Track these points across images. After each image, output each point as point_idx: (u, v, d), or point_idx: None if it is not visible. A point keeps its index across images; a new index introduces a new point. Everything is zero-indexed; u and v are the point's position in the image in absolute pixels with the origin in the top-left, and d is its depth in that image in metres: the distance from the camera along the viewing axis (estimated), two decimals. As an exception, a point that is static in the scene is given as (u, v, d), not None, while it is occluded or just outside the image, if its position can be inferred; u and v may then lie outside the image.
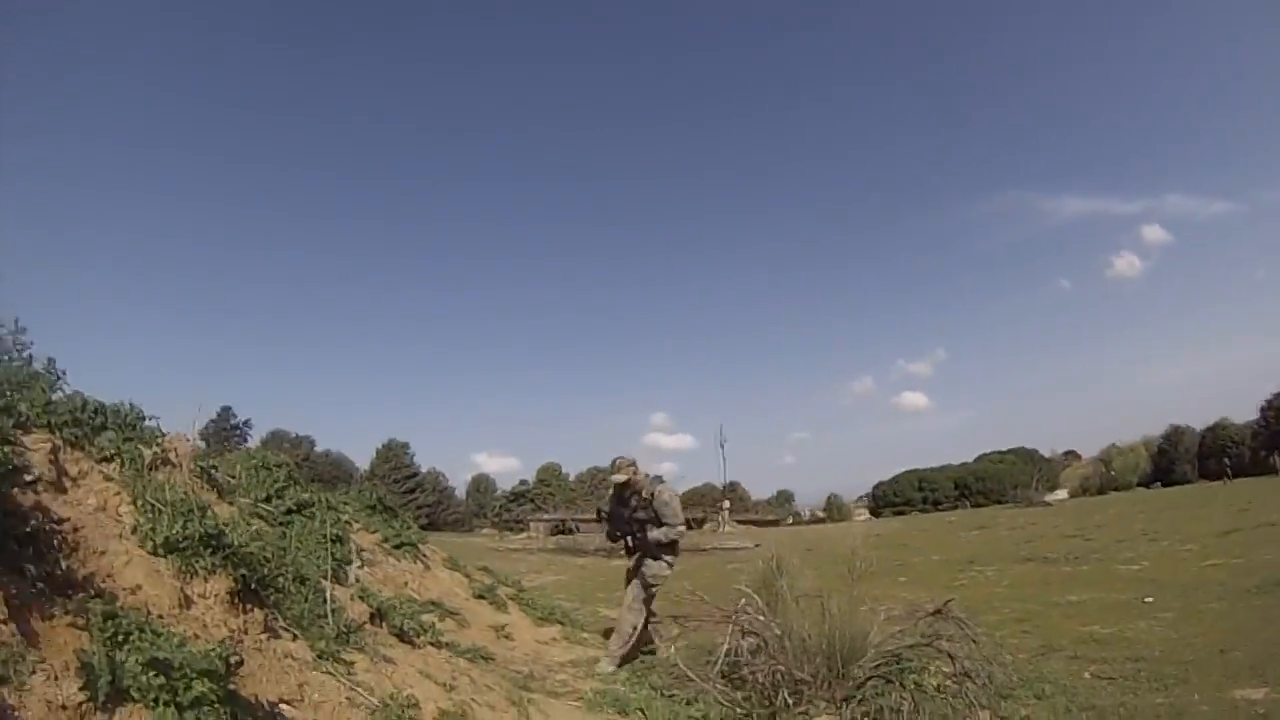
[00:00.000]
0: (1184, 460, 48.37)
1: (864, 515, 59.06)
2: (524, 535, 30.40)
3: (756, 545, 21.06)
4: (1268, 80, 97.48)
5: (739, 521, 42.13)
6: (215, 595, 3.56)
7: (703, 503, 55.29)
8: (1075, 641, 7.49)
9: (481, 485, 64.59)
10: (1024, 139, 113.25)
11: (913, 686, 5.53)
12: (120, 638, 2.64)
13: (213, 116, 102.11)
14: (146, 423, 5.45)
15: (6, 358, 5.51)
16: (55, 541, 3.12)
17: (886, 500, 59.85)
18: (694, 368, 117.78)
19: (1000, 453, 60.60)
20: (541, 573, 16.78)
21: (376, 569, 7.97)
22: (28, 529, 2.98)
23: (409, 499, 54.75)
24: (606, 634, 7.56)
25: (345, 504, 9.57)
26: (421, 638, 5.64)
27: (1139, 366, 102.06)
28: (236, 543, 3.85)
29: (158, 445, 5.18)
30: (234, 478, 7.83)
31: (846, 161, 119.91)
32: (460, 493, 63.30)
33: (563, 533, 30.20)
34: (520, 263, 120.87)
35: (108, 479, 4.12)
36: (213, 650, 2.67)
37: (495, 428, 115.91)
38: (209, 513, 3.98)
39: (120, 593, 3.18)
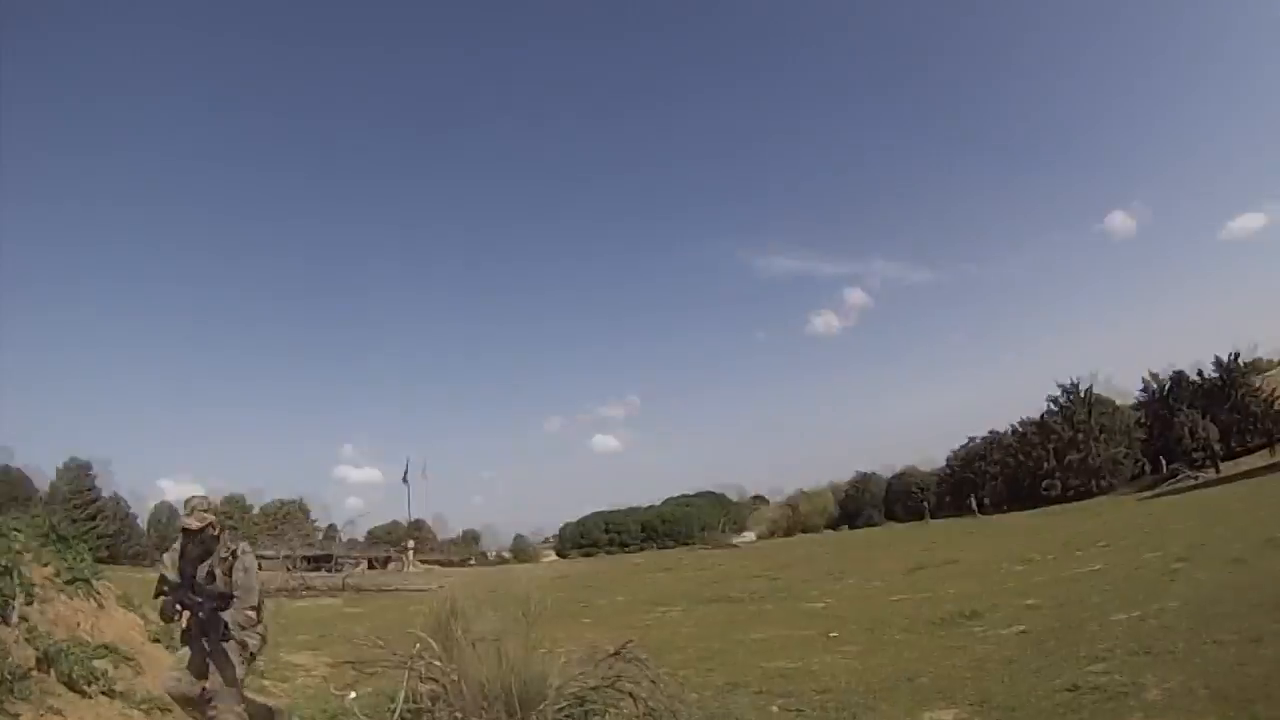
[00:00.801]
0: (871, 504, 53.24)
1: (551, 556, 59.86)
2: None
3: (440, 586, 20.72)
4: (982, 157, 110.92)
5: (424, 561, 41.82)
6: None
7: (388, 540, 54.39)
8: (761, 677, 7.91)
9: (164, 515, 58.62)
10: (740, 191, 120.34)
11: (598, 730, 5.90)
12: None
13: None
14: None
15: None
16: None
17: (574, 541, 60.58)
18: (387, 401, 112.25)
19: (688, 496, 63.53)
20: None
21: (48, 606, 7.33)
22: None
23: (89, 527, 48.51)
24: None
25: (16, 530, 8.71)
26: (93, 686, 5.36)
27: (830, 416, 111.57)
28: None
29: None
30: None
31: (555, 191, 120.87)
32: (143, 522, 56.99)
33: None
34: (210, 264, 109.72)
35: None
36: None
37: (182, 451, 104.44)
38: None
39: None
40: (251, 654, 5.27)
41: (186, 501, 5.46)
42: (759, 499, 70.22)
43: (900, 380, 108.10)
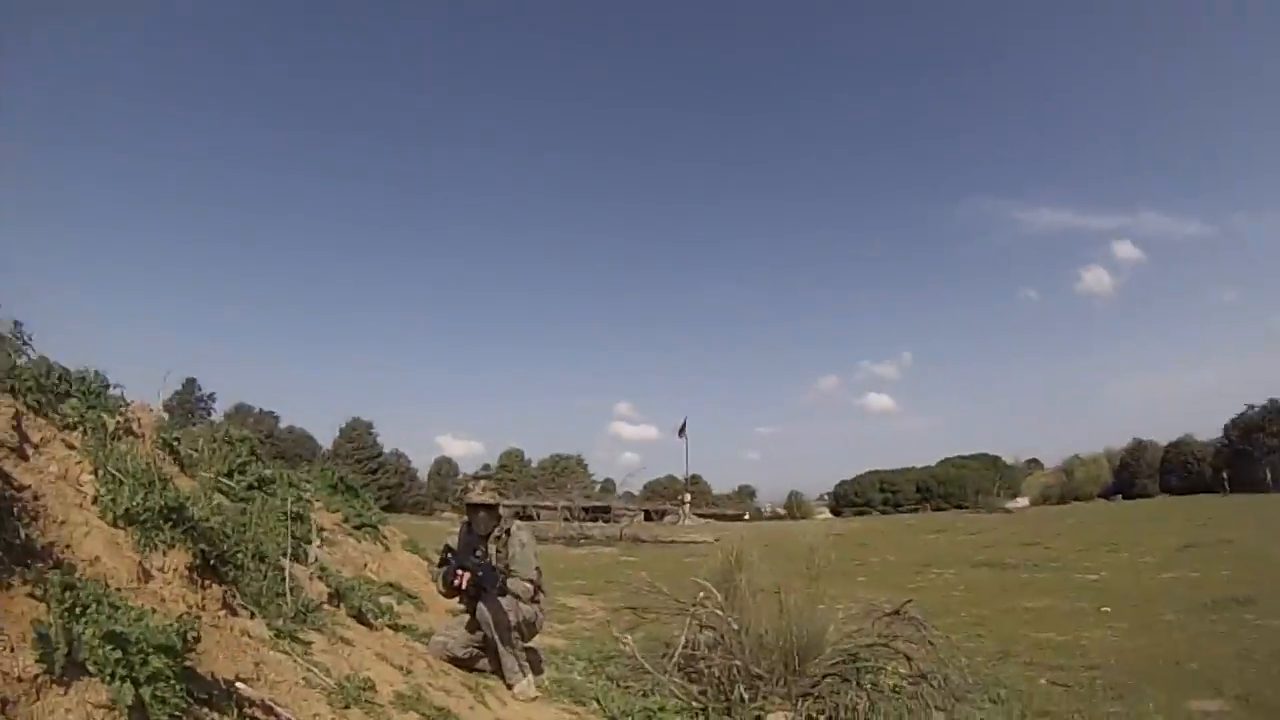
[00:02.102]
0: (1146, 474, 48.95)
1: (824, 514, 59.13)
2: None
3: (716, 539, 20.88)
4: (1252, 105, 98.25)
5: (700, 515, 42.09)
6: (174, 570, 3.49)
7: (664, 494, 55.45)
8: (1031, 647, 7.58)
9: (444, 468, 63.94)
10: (1002, 147, 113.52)
11: (869, 686, 5.57)
12: (78, 610, 2.55)
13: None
14: (111, 391, 5.37)
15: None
16: (16, 509, 3.02)
17: (848, 500, 60.04)
18: (662, 359, 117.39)
19: (963, 457, 60.69)
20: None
21: (336, 549, 7.87)
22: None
23: (371, 479, 53.99)
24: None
25: (307, 482, 9.45)
26: (379, 620, 5.58)
27: (1105, 380, 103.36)
28: (197, 517, 3.78)
29: (121, 415, 5.08)
30: (196, 451, 7.70)
31: (823, 161, 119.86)
32: (423, 475, 62.59)
33: (524, 519, 29.94)
34: (492, 245, 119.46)
35: (70, 447, 4.03)
36: (170, 625, 2.60)
37: (460, 410, 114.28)
38: (170, 485, 3.90)
39: (80, 563, 3.10)
40: (528, 622, 5.42)
41: (475, 478, 6.01)
42: (1033, 463, 67.13)
43: (1174, 340, 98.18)
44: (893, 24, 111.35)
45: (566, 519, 24.85)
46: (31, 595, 2.56)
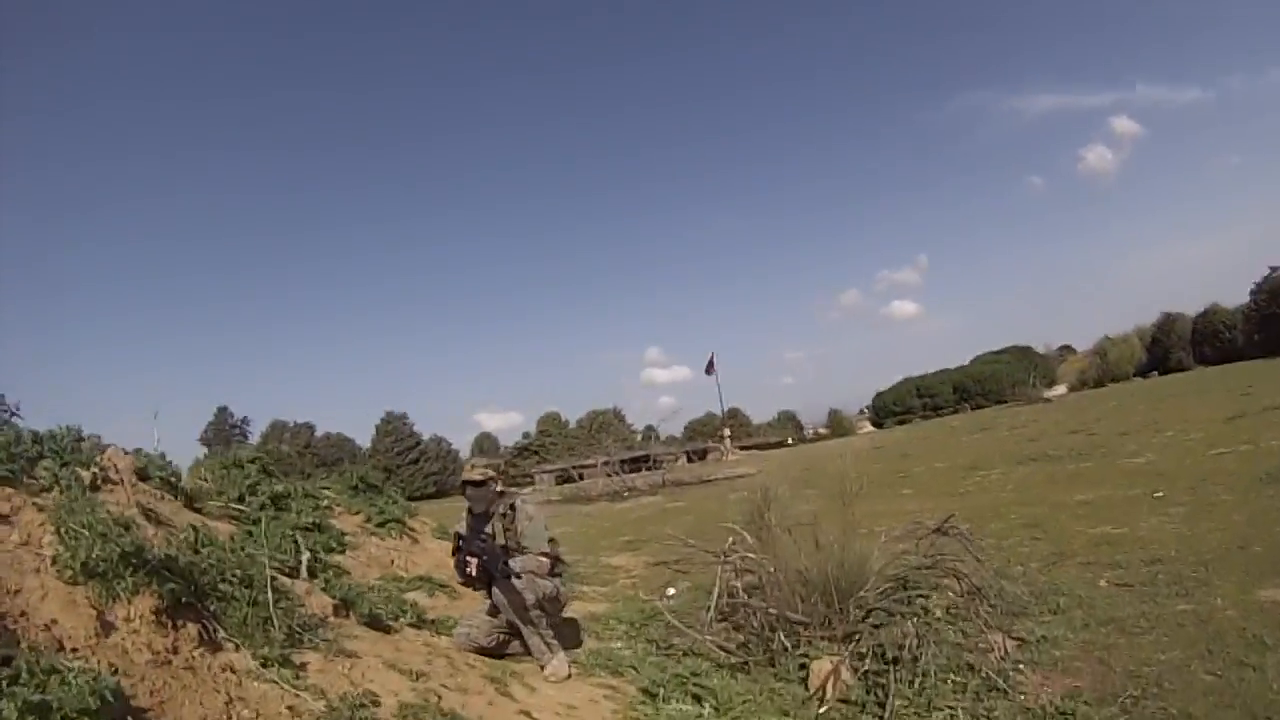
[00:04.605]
0: (1179, 347, 47.80)
1: (867, 427, 58.86)
2: (530, 489, 30.00)
3: (759, 471, 20.49)
4: None
5: (741, 448, 41.83)
6: (140, 616, 3.27)
7: (704, 432, 55.22)
8: (1087, 545, 7.21)
9: (484, 444, 64.35)
10: (985, 37, 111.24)
11: (919, 614, 5.28)
12: (8, 681, 2.39)
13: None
14: (84, 443, 5.22)
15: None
16: None
17: (887, 410, 59.27)
18: (682, 299, 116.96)
19: (995, 353, 59.54)
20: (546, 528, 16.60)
21: (360, 550, 7.74)
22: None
23: (414, 469, 54.67)
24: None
25: (326, 489, 9.32)
26: (401, 619, 5.43)
27: (1123, 257, 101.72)
28: (163, 556, 3.54)
29: (97, 466, 4.92)
30: (206, 481, 7.57)
31: (806, 80, 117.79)
32: (465, 455, 63.13)
33: (567, 481, 29.84)
34: (493, 220, 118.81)
35: (40, 509, 3.84)
36: (87, 685, 2.43)
37: (493, 385, 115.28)
38: (132, 529, 3.65)
39: (35, 629, 2.96)
40: (549, 597, 5.18)
41: (468, 462, 5.75)
42: (1066, 349, 66.41)
43: (1185, 210, 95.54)
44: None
45: (609, 474, 24.59)
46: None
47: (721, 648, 5.47)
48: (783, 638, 5.21)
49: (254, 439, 57.25)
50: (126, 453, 5.54)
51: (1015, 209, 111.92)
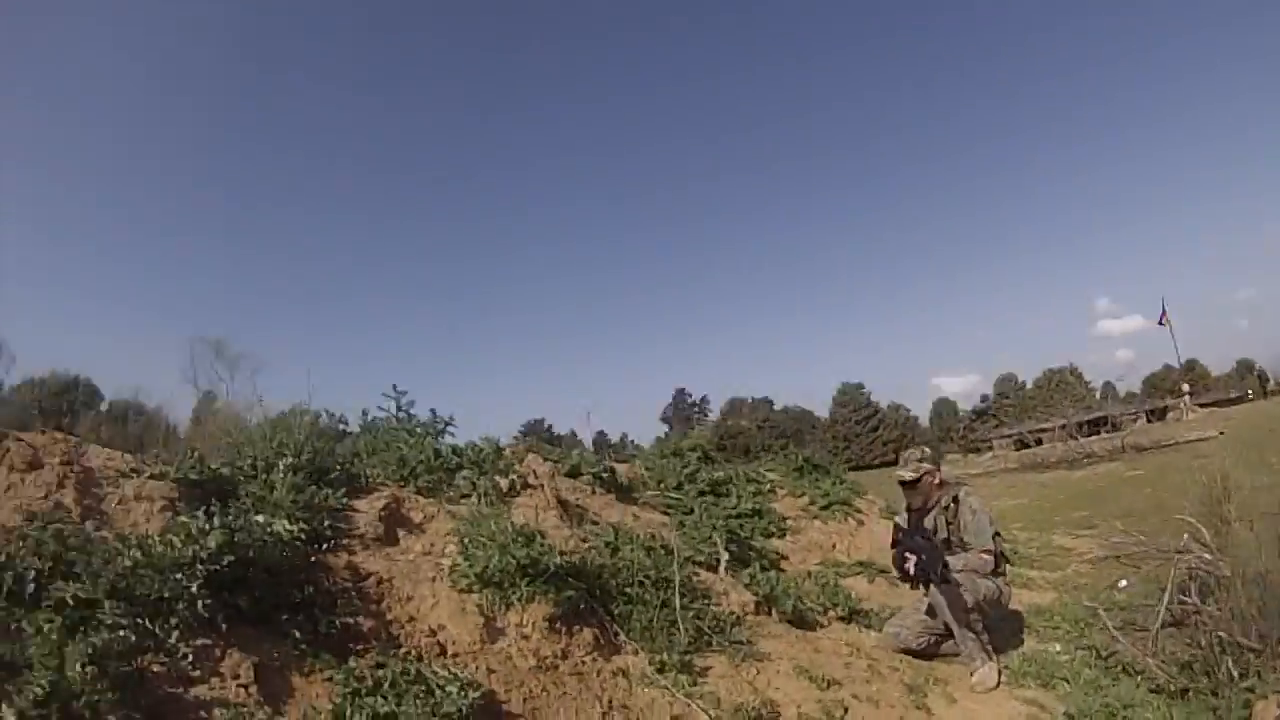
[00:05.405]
0: None
1: None
2: (989, 456, 27.74)
3: (1220, 433, 17.74)
4: None
5: (1201, 405, 34.86)
6: (533, 623, 3.33)
7: (1162, 388, 48.65)
8: None
9: (943, 409, 61.64)
10: None
11: None
12: (365, 691, 2.54)
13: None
14: (503, 451, 5.60)
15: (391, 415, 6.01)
16: (341, 599, 3.10)
17: None
18: (1124, 236, 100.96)
19: None
20: (1000, 498, 14.73)
21: (800, 535, 7.55)
22: (305, 592, 3.02)
23: (873, 437, 54.16)
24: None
25: (769, 472, 9.23)
26: (831, 611, 5.11)
27: None
28: (564, 564, 3.53)
29: (516, 474, 5.17)
30: (646, 471, 7.85)
31: None
32: (924, 421, 60.79)
33: (1024, 446, 27.07)
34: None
35: (453, 517, 4.09)
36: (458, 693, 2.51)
37: (947, 345, 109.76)
38: (535, 540, 3.66)
39: (420, 634, 3.13)
40: (989, 600, 4.62)
41: (902, 455, 5.30)
42: None
43: None
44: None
45: (1065, 439, 21.78)
46: (330, 680, 2.62)
47: (1162, 668, 4.11)
48: (1230, 664, 3.74)
49: (713, 416, 60.80)
50: (546, 459, 5.82)
51: None
